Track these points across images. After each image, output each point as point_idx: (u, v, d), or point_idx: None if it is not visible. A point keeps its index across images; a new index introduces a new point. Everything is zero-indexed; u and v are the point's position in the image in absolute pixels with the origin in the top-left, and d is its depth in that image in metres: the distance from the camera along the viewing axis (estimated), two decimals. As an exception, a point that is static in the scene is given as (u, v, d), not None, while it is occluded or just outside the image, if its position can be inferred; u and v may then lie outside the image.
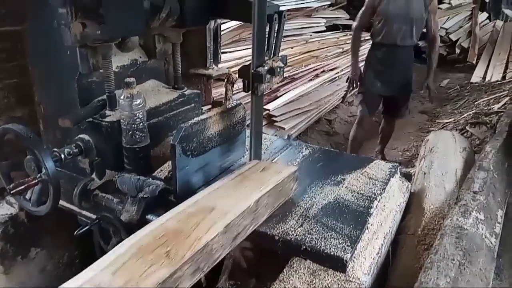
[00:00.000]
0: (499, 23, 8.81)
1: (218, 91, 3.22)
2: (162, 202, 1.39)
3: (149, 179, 1.42)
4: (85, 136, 1.60)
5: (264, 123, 3.80)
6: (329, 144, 4.26)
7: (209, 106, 2.71)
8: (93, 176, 1.57)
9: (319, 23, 6.25)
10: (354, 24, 3.19)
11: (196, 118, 1.42)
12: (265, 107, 3.79)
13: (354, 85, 3.25)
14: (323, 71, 4.97)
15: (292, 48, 5.09)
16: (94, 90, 1.64)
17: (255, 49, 1.41)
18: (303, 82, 4.53)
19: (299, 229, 1.28)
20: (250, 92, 1.44)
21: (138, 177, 1.41)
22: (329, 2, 6.58)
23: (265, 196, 1.28)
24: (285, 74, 4.47)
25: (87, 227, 1.43)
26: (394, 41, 2.98)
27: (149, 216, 1.37)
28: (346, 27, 7.02)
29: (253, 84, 1.43)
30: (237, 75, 1.53)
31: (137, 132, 1.48)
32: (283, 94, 4.11)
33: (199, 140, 1.43)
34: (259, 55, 1.44)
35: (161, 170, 1.52)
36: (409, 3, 2.86)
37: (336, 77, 5.06)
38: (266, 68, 1.44)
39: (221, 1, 1.75)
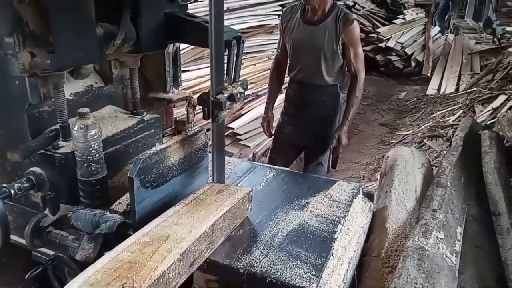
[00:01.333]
0: (451, 36, 9.30)
1: (181, 111, 3.19)
2: (120, 238, 1.32)
3: (106, 213, 1.35)
4: (37, 169, 1.51)
5: (228, 141, 3.79)
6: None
7: (173, 127, 2.67)
8: (46, 211, 1.49)
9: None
10: None
11: (154, 148, 1.38)
12: (229, 125, 3.78)
13: (265, 132, 2.66)
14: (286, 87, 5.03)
15: (254, 65, 5.13)
16: (46, 119, 1.56)
17: (213, 76, 1.40)
18: (266, 99, 4.55)
19: (264, 260, 1.26)
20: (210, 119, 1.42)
21: (94, 212, 1.34)
22: (289, 19, 6.69)
23: (220, 220, 1.28)
24: (249, 92, 4.49)
25: (39, 270, 1.34)
26: (301, 78, 2.42)
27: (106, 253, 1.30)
28: (307, 43, 7.16)
29: (213, 112, 1.40)
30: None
31: (92, 164, 1.42)
32: (247, 112, 4.12)
33: (158, 170, 1.38)
34: (218, 82, 1.42)
35: (119, 203, 1.46)
36: (313, 32, 2.29)
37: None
38: (226, 95, 1.43)
39: (178, 26, 1.73)
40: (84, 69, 1.61)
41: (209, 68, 1.42)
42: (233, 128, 3.76)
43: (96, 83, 1.81)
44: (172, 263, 1.03)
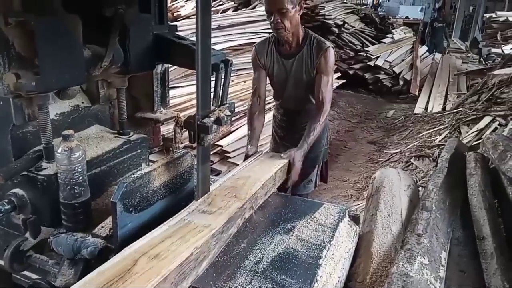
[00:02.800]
0: (438, 55, 9.49)
1: (169, 128, 3.17)
2: (102, 263, 1.30)
3: (88, 238, 1.33)
4: (19, 191, 1.49)
5: (217, 159, 3.78)
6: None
7: (161, 144, 2.66)
8: (27, 234, 1.46)
9: (270, 56, 6.40)
10: None
11: (139, 172, 1.37)
12: (218, 143, 3.78)
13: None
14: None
15: (245, 82, 5.16)
16: (29, 140, 1.54)
17: (199, 99, 1.40)
18: (256, 116, 4.57)
19: (247, 287, 1.24)
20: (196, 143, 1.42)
21: (75, 237, 1.32)
22: (280, 37, 6.78)
23: (278, 171, 1.90)
24: (238, 109, 4.49)
25: (17, 296, 1.31)
26: (288, 106, 2.43)
27: (87, 279, 1.27)
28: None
29: (199, 136, 1.40)
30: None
31: (75, 187, 1.40)
32: (236, 129, 4.12)
33: (142, 194, 1.37)
34: (204, 105, 1.42)
35: (102, 227, 1.43)
36: (292, 65, 2.25)
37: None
38: (212, 118, 1.43)
39: (167, 48, 1.74)
40: (70, 89, 1.61)
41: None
42: (221, 146, 3.76)
43: (82, 102, 1.80)
44: (259, 188, 1.70)
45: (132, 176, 1.33)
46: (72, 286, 1.03)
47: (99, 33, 1.52)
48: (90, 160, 1.60)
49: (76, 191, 1.40)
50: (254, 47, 2.39)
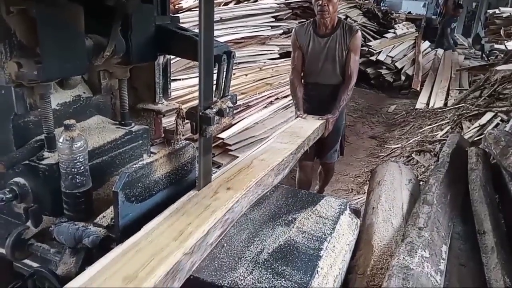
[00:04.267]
0: (440, 51, 9.45)
1: (170, 120, 3.17)
2: (104, 252, 1.30)
3: (89, 227, 1.33)
4: (21, 180, 1.49)
5: (218, 152, 3.77)
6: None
7: (162, 136, 2.66)
8: (29, 223, 1.46)
9: (272, 50, 6.38)
10: None
11: (141, 162, 1.36)
12: (219, 135, 3.77)
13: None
14: (277, 98, 5.05)
15: (246, 75, 5.14)
16: (31, 130, 1.54)
17: (202, 90, 1.39)
18: (257, 110, 4.57)
19: (248, 277, 1.25)
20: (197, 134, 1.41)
21: (77, 226, 1.32)
22: (281, 31, 6.76)
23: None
24: (240, 102, 4.50)
25: (18, 284, 1.31)
26: (318, 81, 2.89)
27: (89, 268, 1.27)
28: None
29: (201, 127, 1.40)
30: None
31: (77, 176, 1.40)
32: (237, 122, 4.12)
33: (144, 184, 1.37)
34: (207, 96, 1.42)
35: (103, 217, 1.43)
36: (327, 43, 2.79)
37: (289, 104, 5.14)
38: (214, 109, 1.43)
39: (169, 39, 1.73)
40: (72, 79, 1.61)
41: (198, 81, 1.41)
42: (223, 139, 3.75)
43: (84, 93, 1.80)
44: (311, 132, 2.37)
45: (134, 166, 1.33)
46: None
47: (101, 23, 1.51)
48: (92, 150, 1.59)
49: (77, 180, 1.40)
50: (293, 31, 2.95)
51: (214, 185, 1.56)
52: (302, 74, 2.97)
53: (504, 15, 9.55)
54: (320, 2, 2.67)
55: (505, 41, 8.08)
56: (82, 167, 1.41)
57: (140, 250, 1.14)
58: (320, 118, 2.69)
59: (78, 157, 1.38)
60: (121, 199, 1.26)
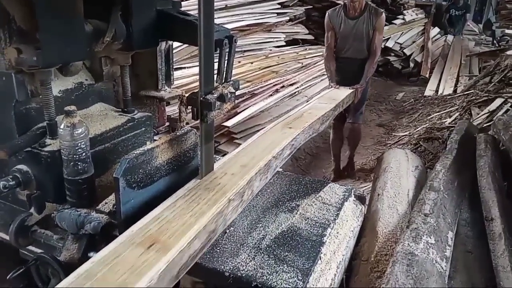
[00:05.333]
0: (450, 37, 9.27)
1: (174, 109, 3.16)
2: (106, 238, 1.30)
3: (91, 213, 1.33)
4: (24, 167, 1.49)
5: (223, 140, 3.76)
6: (290, 160, 4.27)
7: (167, 124, 2.65)
8: (32, 210, 1.46)
9: (278, 38, 6.32)
10: None
11: (141, 148, 1.35)
12: (224, 124, 3.75)
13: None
14: (283, 86, 5.01)
15: (252, 63, 5.10)
16: (33, 117, 1.53)
17: (202, 75, 1.37)
18: (263, 98, 4.53)
19: (250, 263, 1.24)
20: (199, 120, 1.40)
21: (79, 212, 1.32)
22: (288, 18, 6.67)
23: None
24: (245, 90, 4.47)
25: (21, 270, 1.32)
26: (348, 55, 3.48)
27: (91, 254, 1.28)
28: (306, 42, 7.14)
29: (202, 112, 1.38)
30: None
31: (79, 163, 1.39)
32: (243, 110, 4.09)
33: (145, 171, 1.36)
34: (207, 81, 1.39)
35: (106, 203, 1.43)
36: (355, 24, 3.37)
37: (295, 92, 5.10)
38: (215, 95, 1.40)
39: (170, 24, 1.70)
40: (73, 66, 1.59)
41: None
42: (228, 127, 3.73)
43: (86, 80, 1.78)
44: (346, 96, 3.02)
45: (135, 152, 1.32)
46: None
47: (101, 8, 1.49)
48: (94, 137, 1.59)
49: (79, 167, 1.40)
50: (327, 14, 3.53)
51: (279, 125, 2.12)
52: (334, 51, 3.55)
53: (516, -1, 9.32)
54: None
55: (517, 26, 7.90)
56: (84, 154, 1.40)
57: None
58: (350, 88, 3.30)
59: (79, 144, 1.37)
60: (122, 185, 1.26)
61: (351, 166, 4.04)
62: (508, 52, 5.31)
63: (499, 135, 2.60)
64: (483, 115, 3.91)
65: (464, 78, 6.38)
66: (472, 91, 4.89)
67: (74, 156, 1.38)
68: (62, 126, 1.35)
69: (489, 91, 4.46)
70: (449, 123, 4.11)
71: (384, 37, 8.13)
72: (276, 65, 5.39)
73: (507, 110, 3.76)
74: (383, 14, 3.39)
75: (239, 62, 5.16)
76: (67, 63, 1.51)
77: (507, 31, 8.94)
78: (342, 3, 3.53)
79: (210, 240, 1.22)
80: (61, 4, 1.33)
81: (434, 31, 9.80)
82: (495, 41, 9.35)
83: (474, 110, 4.19)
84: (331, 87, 3.40)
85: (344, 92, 3.15)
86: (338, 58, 3.55)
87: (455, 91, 5.88)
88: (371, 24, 3.34)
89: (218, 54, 1.52)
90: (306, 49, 6.66)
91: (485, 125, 3.62)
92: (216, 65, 1.49)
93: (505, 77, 4.53)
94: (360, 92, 3.39)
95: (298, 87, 5.16)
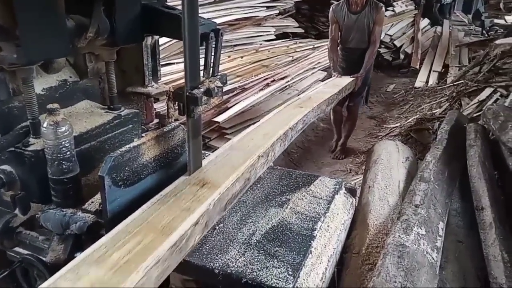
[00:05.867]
0: (440, 29, 9.28)
1: (163, 105, 3.12)
2: (92, 238, 1.28)
3: (77, 213, 1.30)
4: (7, 167, 1.45)
5: (214, 135, 3.73)
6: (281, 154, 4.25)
7: (156, 121, 2.61)
8: (17, 211, 1.43)
9: (268, 31, 6.28)
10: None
11: (127, 146, 1.33)
12: (215, 119, 3.73)
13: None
14: (274, 80, 4.98)
15: (242, 57, 5.06)
16: (16, 116, 1.50)
17: (188, 70, 1.34)
18: (253, 92, 4.50)
19: (240, 259, 1.23)
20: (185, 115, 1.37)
21: (64, 212, 1.29)
22: (277, 11, 6.63)
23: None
24: (236, 85, 4.44)
25: (5, 272, 1.29)
26: (351, 46, 3.88)
27: (78, 255, 1.25)
28: (296, 35, 7.11)
29: (188, 107, 1.36)
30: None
31: (63, 162, 1.36)
32: (233, 105, 4.06)
33: (132, 168, 1.33)
34: (193, 76, 1.37)
35: (92, 202, 1.41)
36: (357, 18, 3.73)
37: (286, 86, 5.08)
38: (202, 89, 1.38)
39: (155, 18, 1.67)
40: (55, 63, 1.56)
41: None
42: (218, 122, 3.70)
43: (70, 77, 1.75)
44: (348, 82, 3.57)
45: (121, 149, 1.29)
46: None
47: (83, 3, 1.45)
48: (80, 135, 1.56)
49: (64, 166, 1.37)
50: (331, 8, 3.92)
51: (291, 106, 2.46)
52: (339, 41, 3.92)
53: (505, -11, 9.35)
54: None
55: (505, 15, 7.94)
56: (68, 152, 1.37)
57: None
58: (352, 76, 3.73)
59: (63, 142, 1.34)
60: (108, 184, 1.23)
61: (343, 150, 4.31)
62: (497, 42, 5.33)
63: (489, 124, 2.61)
64: (472, 105, 3.92)
65: (454, 68, 6.40)
66: (462, 81, 4.91)
67: (58, 155, 1.35)
68: (45, 125, 1.32)
69: (479, 81, 4.48)
70: (439, 114, 4.12)
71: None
72: (266, 59, 5.36)
73: (497, 100, 3.78)
74: (383, 8, 3.75)
75: (229, 56, 5.12)
76: (49, 60, 1.47)
77: (496, 20, 8.97)
78: None
79: (246, 186, 1.54)
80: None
81: (424, 22, 9.81)
82: (484, 31, 9.39)
83: (464, 100, 4.20)
84: (334, 76, 3.83)
85: (346, 80, 3.58)
86: (344, 48, 3.97)
87: (445, 81, 5.90)
88: (371, 17, 3.70)
89: (204, 48, 1.50)
90: (296, 43, 6.63)
91: (475, 115, 3.63)
92: (202, 60, 1.47)
93: (494, 66, 4.55)
94: (360, 80, 3.77)
95: (289, 81, 5.13)
